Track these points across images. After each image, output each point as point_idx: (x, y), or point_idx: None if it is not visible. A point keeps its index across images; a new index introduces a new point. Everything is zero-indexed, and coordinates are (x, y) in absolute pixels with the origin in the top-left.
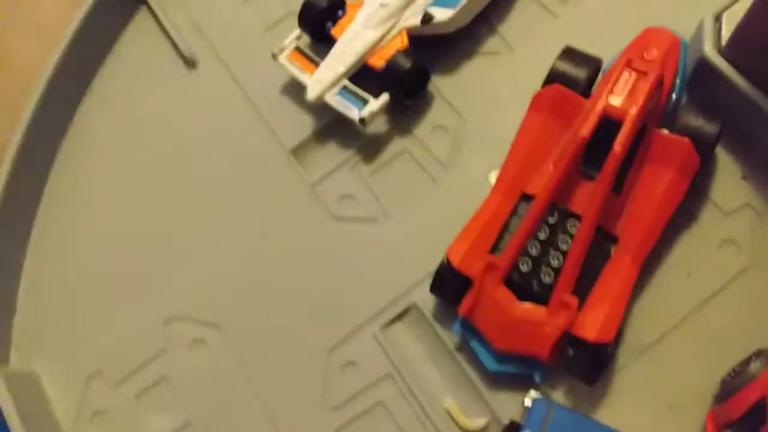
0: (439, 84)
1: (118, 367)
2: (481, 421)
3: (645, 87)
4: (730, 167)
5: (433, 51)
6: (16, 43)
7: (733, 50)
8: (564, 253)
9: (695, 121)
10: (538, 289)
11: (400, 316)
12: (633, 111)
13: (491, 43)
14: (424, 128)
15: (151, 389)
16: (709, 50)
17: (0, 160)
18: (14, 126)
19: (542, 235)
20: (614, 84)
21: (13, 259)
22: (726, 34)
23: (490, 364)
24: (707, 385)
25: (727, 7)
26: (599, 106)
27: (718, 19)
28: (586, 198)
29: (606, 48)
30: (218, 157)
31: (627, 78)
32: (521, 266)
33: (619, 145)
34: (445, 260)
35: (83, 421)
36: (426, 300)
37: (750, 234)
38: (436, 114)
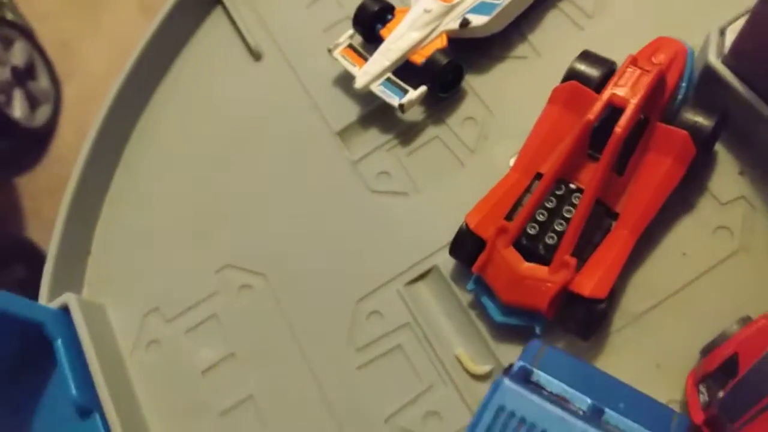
0: (472, 81)
1: (174, 305)
2: (486, 368)
3: (646, 81)
4: (729, 163)
5: (468, 52)
6: (91, 54)
7: (733, 59)
8: (567, 220)
9: (693, 116)
10: (543, 250)
11: (422, 276)
12: (634, 100)
13: (521, 49)
14: (455, 119)
15: (201, 325)
16: (713, 59)
17: (83, 137)
18: (86, 122)
19: (550, 205)
20: (619, 78)
21: (91, 210)
22: (729, 45)
23: (497, 316)
24: (693, 350)
25: (730, 23)
26: (605, 95)
27: (722, 32)
28: (590, 175)
29: (623, 55)
30: (276, 135)
31: (631, 73)
32: (529, 230)
33: (619, 128)
34: (464, 224)
35: (140, 348)
36: (446, 263)
37: (742, 223)
38: (467, 107)
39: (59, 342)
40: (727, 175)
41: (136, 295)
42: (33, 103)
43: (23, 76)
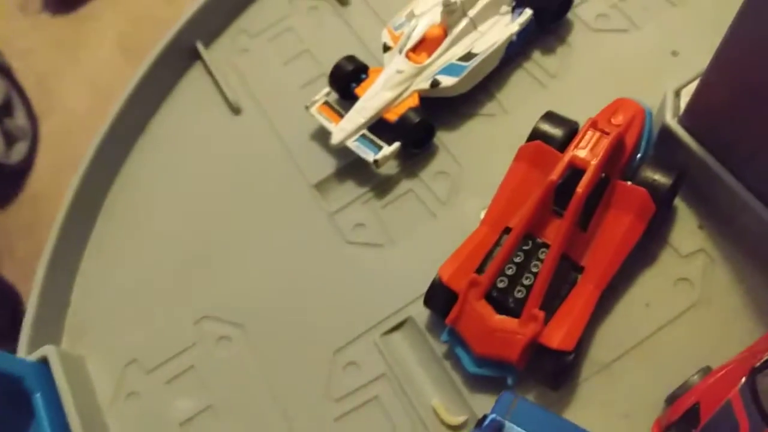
0: (443, 138)
1: (152, 357)
2: (461, 418)
3: (605, 143)
4: (688, 218)
5: (439, 110)
6: (69, 91)
7: (688, 119)
8: (535, 274)
9: (652, 174)
10: (513, 303)
11: (397, 327)
12: (594, 162)
13: (489, 107)
14: (428, 173)
15: (179, 376)
16: (670, 119)
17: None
18: (63, 159)
19: (518, 259)
20: (580, 140)
21: (71, 262)
22: (683, 106)
23: (471, 366)
24: (659, 399)
25: (685, 85)
26: (567, 157)
27: (678, 93)
28: (556, 231)
29: (585, 114)
30: (254, 188)
31: (591, 136)
32: (499, 284)
33: (581, 188)
34: (437, 277)
35: (119, 400)
36: (420, 314)
37: (702, 275)
38: (438, 162)
39: (38, 396)
40: (687, 229)
41: (115, 346)
42: (9, 139)
43: (0, 112)
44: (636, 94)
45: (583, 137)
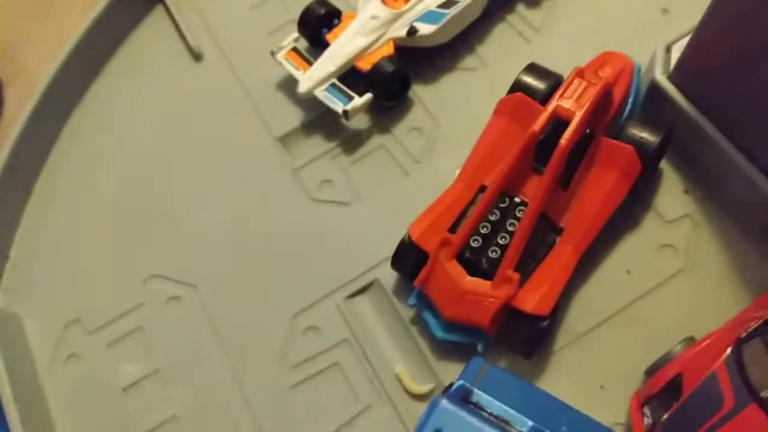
0: (419, 92)
1: (96, 317)
2: (426, 387)
3: (591, 94)
4: (674, 182)
5: (416, 62)
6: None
7: (678, 76)
8: (511, 234)
9: (639, 132)
10: (486, 264)
11: (362, 290)
12: (579, 113)
13: (469, 61)
14: (401, 128)
15: (124, 338)
16: (659, 75)
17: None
18: None
19: (493, 217)
20: (565, 90)
21: (11, 213)
22: (674, 62)
23: (439, 332)
24: (638, 371)
25: (676, 40)
26: (551, 107)
27: (668, 50)
28: (534, 188)
29: (569, 69)
30: (214, 138)
31: (577, 86)
32: (473, 243)
33: (564, 140)
34: (406, 235)
35: (57, 362)
36: (387, 277)
37: (687, 241)
38: (413, 117)
39: None
40: (672, 193)
41: (56, 304)
42: None
43: None
44: (624, 51)
45: (568, 87)
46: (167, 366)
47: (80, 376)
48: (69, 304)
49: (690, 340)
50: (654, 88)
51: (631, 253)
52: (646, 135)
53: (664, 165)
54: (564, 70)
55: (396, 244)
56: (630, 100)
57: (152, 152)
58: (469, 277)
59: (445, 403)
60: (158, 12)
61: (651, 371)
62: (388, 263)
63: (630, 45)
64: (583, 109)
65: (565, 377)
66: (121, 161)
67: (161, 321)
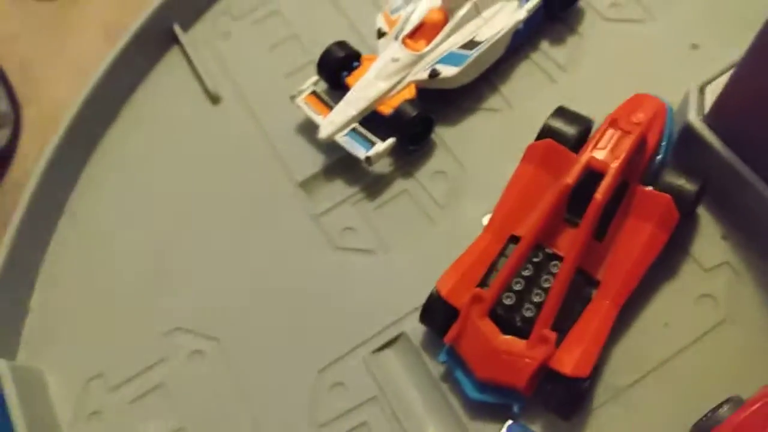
0: (443, 134)
1: (118, 372)
2: None
3: (627, 144)
4: (712, 227)
5: (438, 104)
6: (53, 78)
7: (714, 118)
8: (546, 290)
9: (676, 179)
10: (521, 322)
11: (390, 343)
12: (614, 164)
13: (492, 101)
14: (425, 173)
15: (147, 395)
16: (693, 118)
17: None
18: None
19: (527, 272)
20: (599, 140)
21: (31, 265)
22: (709, 104)
23: (472, 392)
24: (681, 428)
25: (710, 81)
26: (584, 158)
27: (702, 90)
28: (569, 242)
29: (599, 111)
30: (233, 184)
31: (611, 135)
32: (505, 300)
33: (599, 194)
34: (435, 290)
35: (80, 420)
36: (416, 330)
37: (727, 290)
38: (437, 160)
39: None
40: (709, 240)
41: (78, 359)
42: None
43: None
44: (653, 90)
45: (602, 136)
46: (191, 424)
47: None
48: (91, 359)
49: (738, 402)
50: (688, 131)
51: (668, 304)
52: (683, 182)
53: (700, 209)
54: (592, 109)
55: (423, 295)
56: (663, 144)
57: (171, 200)
58: (503, 336)
59: None
60: (174, 53)
61: None
62: (415, 315)
63: (659, 83)
64: (619, 161)
65: None
66: (138, 212)
67: (184, 376)
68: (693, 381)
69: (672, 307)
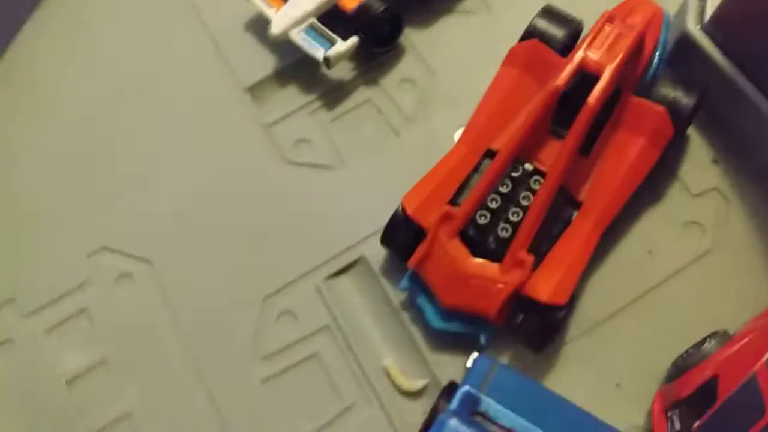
0: (412, 37)
1: (34, 296)
2: (419, 383)
3: (625, 44)
4: (702, 149)
5: (409, 4)
6: None
7: (716, 27)
8: (524, 209)
9: (673, 91)
10: (494, 244)
11: (346, 269)
12: (611, 66)
13: (469, 2)
14: (391, 80)
15: (66, 322)
16: (692, 25)
17: None
18: None
19: (504, 189)
20: (594, 38)
21: None
22: (710, 11)
23: (436, 321)
24: (659, 367)
25: None
26: (578, 58)
27: None
28: (553, 156)
29: (587, 14)
30: (169, 88)
31: (607, 33)
32: (479, 219)
33: (593, 99)
34: (400, 208)
35: None
36: (375, 254)
37: (715, 217)
38: (405, 67)
39: None
40: (699, 163)
41: None
42: None
43: None
44: None
45: (598, 34)
46: (118, 355)
47: (15, 367)
48: (2, 281)
49: (724, 336)
50: (685, 40)
51: (652, 231)
52: (680, 94)
53: (690, 130)
54: (581, 14)
55: (385, 216)
56: (657, 54)
57: (99, 104)
58: (473, 259)
59: (454, 423)
60: None
61: (677, 370)
62: (376, 238)
63: None
64: (616, 62)
65: (577, 373)
66: (62, 112)
67: (109, 302)
68: (675, 314)
69: (656, 234)
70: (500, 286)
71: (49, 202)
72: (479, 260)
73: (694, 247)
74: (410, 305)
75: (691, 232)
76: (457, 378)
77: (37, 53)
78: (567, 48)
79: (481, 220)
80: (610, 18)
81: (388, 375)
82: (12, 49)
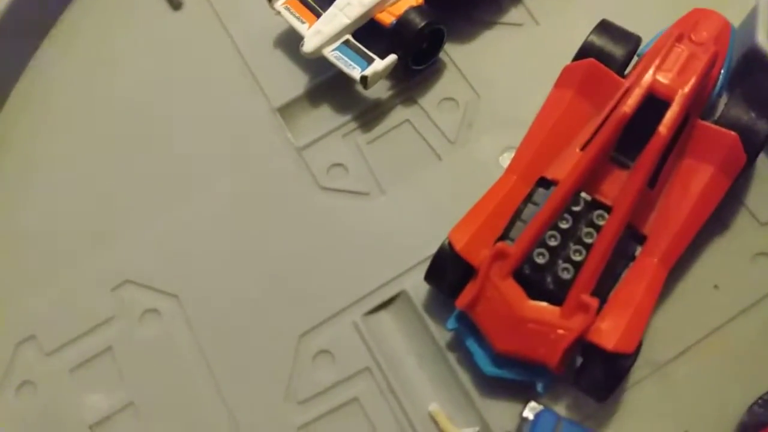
0: (453, 53)
1: (56, 334)
2: (469, 430)
3: (698, 66)
4: None
5: (449, 16)
6: None
7: None
8: (587, 247)
9: (745, 115)
10: (554, 285)
11: (385, 304)
12: (684, 90)
13: (515, 14)
14: (431, 99)
15: (90, 362)
16: (763, 39)
17: None
18: None
19: (564, 225)
20: (664, 59)
21: None
22: None
23: (487, 367)
24: (730, 412)
25: None
26: (645, 82)
27: None
28: (617, 187)
29: (642, 28)
30: (196, 111)
31: (678, 54)
32: (536, 258)
33: (665, 128)
34: (447, 243)
35: (7, 391)
36: (417, 289)
37: None
38: (446, 85)
39: None
40: (767, 189)
41: (7, 317)
42: None
43: None
44: (709, 4)
45: (668, 55)
46: (144, 398)
47: (36, 410)
48: (21, 318)
49: None
50: (753, 54)
51: (718, 263)
52: (753, 119)
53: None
54: (635, 27)
55: (427, 247)
56: (722, 71)
57: (124, 126)
58: (530, 301)
59: None
60: None
61: (751, 425)
62: (416, 271)
63: None
64: (689, 87)
65: (642, 420)
66: (84, 138)
67: (135, 340)
68: (746, 355)
69: (722, 267)
70: (562, 332)
71: (69, 234)
72: (537, 303)
73: (764, 281)
74: (458, 347)
75: (761, 265)
76: (511, 427)
77: (55, 75)
78: (624, 66)
79: (540, 260)
80: (679, 37)
81: (435, 422)
82: (27, 74)
